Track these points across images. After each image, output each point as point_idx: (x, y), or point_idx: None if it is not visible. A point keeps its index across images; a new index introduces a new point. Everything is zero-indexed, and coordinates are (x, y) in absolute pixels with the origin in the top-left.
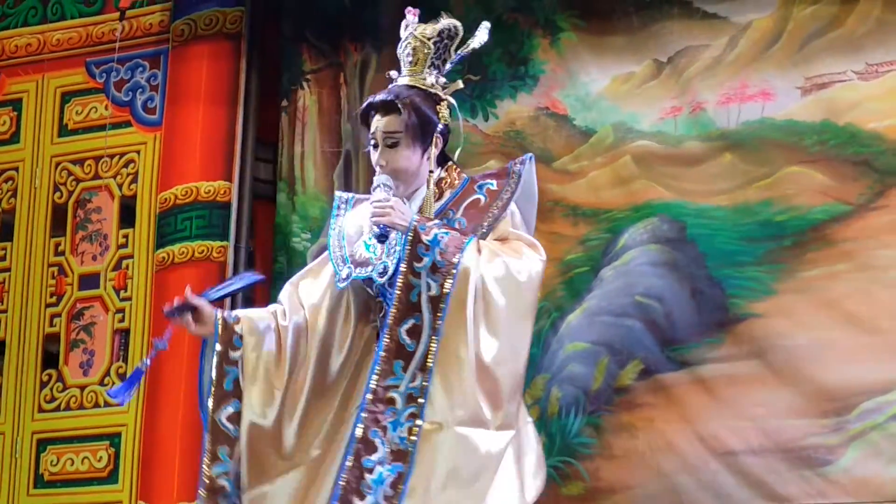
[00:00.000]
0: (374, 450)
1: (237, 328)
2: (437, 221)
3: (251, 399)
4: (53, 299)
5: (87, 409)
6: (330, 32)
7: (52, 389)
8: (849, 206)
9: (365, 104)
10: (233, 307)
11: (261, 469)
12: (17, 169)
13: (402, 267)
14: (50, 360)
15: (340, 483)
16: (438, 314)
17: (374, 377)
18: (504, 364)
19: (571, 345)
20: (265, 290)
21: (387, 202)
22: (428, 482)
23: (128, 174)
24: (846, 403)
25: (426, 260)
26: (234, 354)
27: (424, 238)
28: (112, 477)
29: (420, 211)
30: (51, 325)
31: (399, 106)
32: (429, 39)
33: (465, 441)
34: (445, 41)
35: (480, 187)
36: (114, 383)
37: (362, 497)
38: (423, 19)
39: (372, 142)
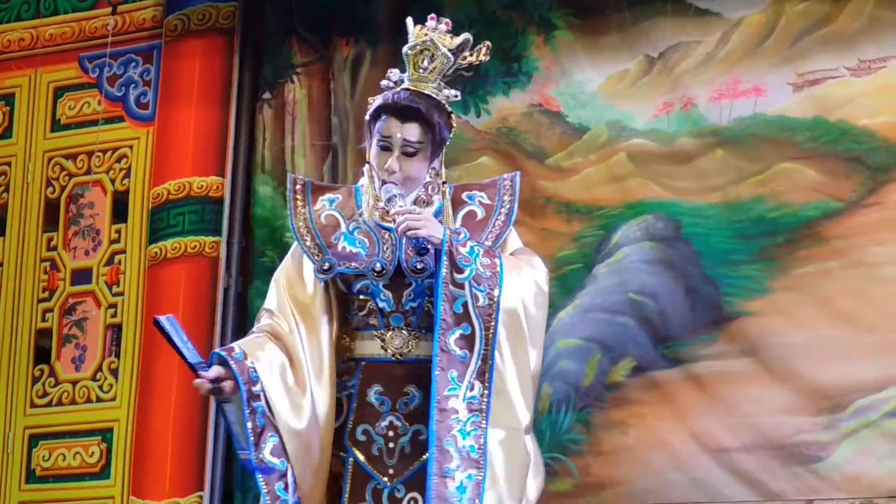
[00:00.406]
0: (450, 459)
1: (248, 363)
2: (464, 232)
3: (282, 418)
4: (46, 294)
5: (80, 404)
6: (319, 26)
7: (44, 384)
8: (841, 202)
9: (382, 103)
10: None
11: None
12: (9, 164)
13: (444, 278)
14: (42, 355)
15: (430, 494)
16: (491, 323)
17: (435, 387)
18: (537, 371)
19: (562, 341)
20: (256, 286)
21: (419, 213)
22: (496, 485)
23: (120, 169)
24: (840, 401)
25: (468, 271)
26: (256, 389)
27: (462, 250)
28: (104, 472)
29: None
30: (43, 320)
31: (426, 117)
32: (451, 52)
33: (523, 447)
34: (459, 54)
35: (471, 198)
36: (106, 379)
37: None
38: (419, 17)
39: (381, 143)
